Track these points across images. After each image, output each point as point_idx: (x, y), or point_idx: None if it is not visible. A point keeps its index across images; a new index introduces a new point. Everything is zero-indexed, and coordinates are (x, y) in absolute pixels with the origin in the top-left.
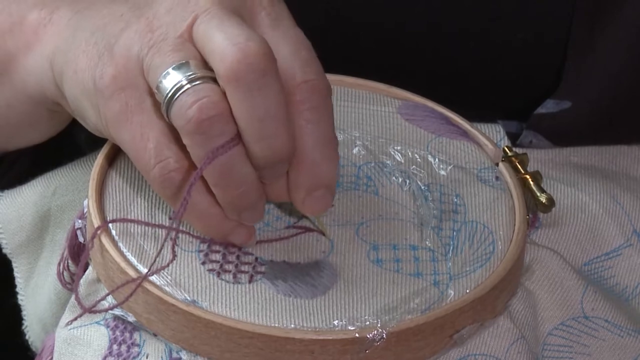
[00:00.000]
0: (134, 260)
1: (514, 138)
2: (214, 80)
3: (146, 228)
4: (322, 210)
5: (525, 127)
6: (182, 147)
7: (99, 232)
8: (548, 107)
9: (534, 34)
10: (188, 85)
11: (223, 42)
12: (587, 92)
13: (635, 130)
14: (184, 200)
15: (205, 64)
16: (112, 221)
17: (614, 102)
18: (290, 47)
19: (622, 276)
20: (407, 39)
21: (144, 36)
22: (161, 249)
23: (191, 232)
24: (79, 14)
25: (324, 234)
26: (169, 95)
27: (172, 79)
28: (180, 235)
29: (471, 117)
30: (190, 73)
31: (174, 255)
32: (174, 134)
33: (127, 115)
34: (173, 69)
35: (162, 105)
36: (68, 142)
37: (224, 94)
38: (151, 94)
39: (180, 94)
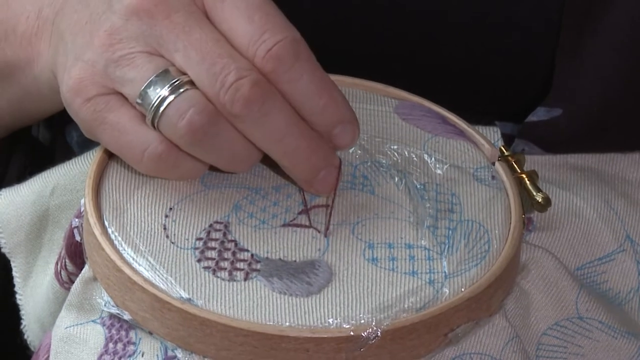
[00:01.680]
0: (129, 258)
1: (507, 142)
2: (193, 83)
3: (142, 226)
4: (350, 142)
5: (516, 136)
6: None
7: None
8: (539, 115)
9: (524, 38)
10: (172, 97)
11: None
12: (578, 98)
13: (628, 136)
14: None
15: (181, 71)
16: None
17: (605, 107)
18: (242, 18)
19: (615, 281)
20: (397, 42)
21: (106, 50)
22: None
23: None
24: (57, 15)
25: (318, 230)
26: (155, 105)
27: (156, 89)
28: (175, 232)
29: (466, 120)
30: (173, 79)
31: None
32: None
33: (99, 120)
34: (156, 77)
35: (147, 116)
36: (60, 143)
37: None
38: (114, 93)
39: (167, 106)
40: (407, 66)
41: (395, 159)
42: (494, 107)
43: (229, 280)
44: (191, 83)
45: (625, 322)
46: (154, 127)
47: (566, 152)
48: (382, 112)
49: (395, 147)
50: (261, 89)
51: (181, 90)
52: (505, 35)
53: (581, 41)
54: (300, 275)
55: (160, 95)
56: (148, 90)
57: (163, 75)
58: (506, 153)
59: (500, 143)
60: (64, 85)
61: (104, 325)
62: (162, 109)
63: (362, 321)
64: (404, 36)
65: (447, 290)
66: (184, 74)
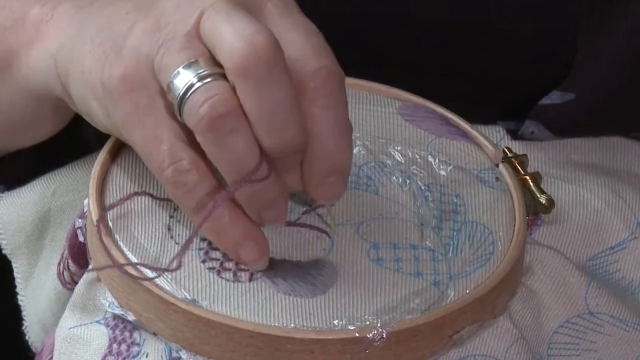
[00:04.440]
0: (134, 259)
1: (514, 131)
2: (224, 76)
3: (146, 227)
4: (335, 196)
5: (527, 117)
6: (196, 148)
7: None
8: (553, 98)
9: (537, 29)
10: (199, 84)
11: (230, 36)
12: (591, 84)
13: (635, 123)
14: (207, 214)
15: (215, 61)
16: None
17: (616, 95)
18: (301, 35)
19: (628, 270)
20: (408, 31)
21: (152, 35)
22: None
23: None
24: (82, 10)
25: (326, 232)
26: (180, 94)
27: (182, 79)
28: (180, 233)
29: (472, 114)
30: (201, 71)
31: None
32: (188, 135)
33: (138, 117)
34: (183, 67)
35: (174, 105)
36: (76, 137)
37: (234, 89)
38: (162, 94)
39: (192, 92)
40: (414, 55)
41: (399, 159)
42: (502, 97)
43: (233, 281)
44: (217, 75)
45: (637, 313)
46: (179, 114)
47: (575, 136)
48: (385, 113)
49: (399, 148)
50: (273, 53)
51: (207, 80)
52: (519, 24)
53: (600, 31)
54: (305, 276)
55: (186, 84)
56: (174, 80)
57: (191, 65)
58: (510, 155)
59: (503, 142)
60: (112, 71)
61: (107, 326)
62: (188, 94)
63: (367, 322)
64: (410, 23)
65: (452, 292)
66: (215, 65)
